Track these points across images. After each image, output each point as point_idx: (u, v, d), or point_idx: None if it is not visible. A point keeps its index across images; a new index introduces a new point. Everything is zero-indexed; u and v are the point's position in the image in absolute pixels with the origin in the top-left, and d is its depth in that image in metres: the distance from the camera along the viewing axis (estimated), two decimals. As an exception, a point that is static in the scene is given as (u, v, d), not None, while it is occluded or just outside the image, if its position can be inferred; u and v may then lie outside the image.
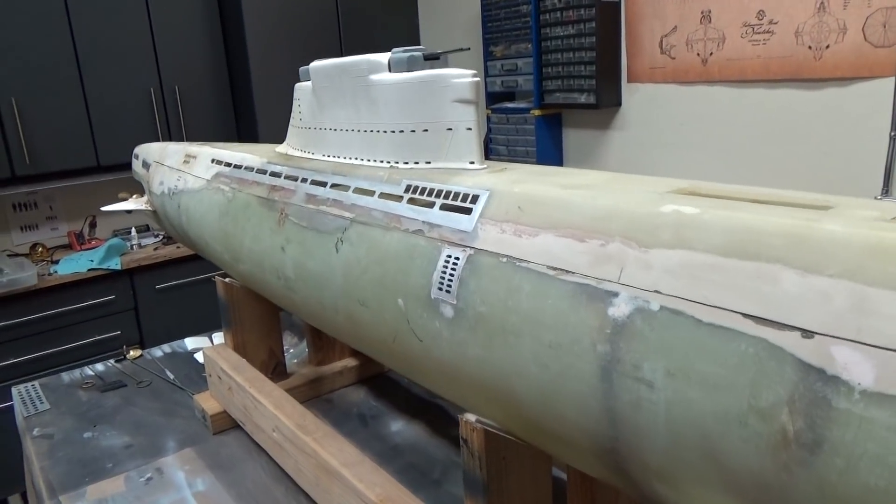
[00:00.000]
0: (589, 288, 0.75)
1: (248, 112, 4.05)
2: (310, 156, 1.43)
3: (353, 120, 1.25)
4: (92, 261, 3.63)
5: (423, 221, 1.00)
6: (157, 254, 3.80)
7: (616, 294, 0.72)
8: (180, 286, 3.84)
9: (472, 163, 1.07)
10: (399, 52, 1.13)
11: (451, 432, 1.64)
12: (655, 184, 0.83)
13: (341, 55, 4.16)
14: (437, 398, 1.78)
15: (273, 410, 1.39)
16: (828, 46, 3.03)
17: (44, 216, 4.01)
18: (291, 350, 2.12)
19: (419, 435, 1.63)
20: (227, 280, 1.71)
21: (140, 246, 3.96)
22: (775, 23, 3.21)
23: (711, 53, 3.51)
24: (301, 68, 1.40)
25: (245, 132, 4.13)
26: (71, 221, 4.07)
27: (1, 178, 3.49)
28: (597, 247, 0.76)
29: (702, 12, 3.51)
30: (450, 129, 1.08)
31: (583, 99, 3.98)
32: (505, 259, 0.85)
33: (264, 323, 1.77)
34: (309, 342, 1.92)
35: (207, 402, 1.73)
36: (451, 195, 0.99)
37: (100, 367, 2.16)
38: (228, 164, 1.70)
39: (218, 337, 2.32)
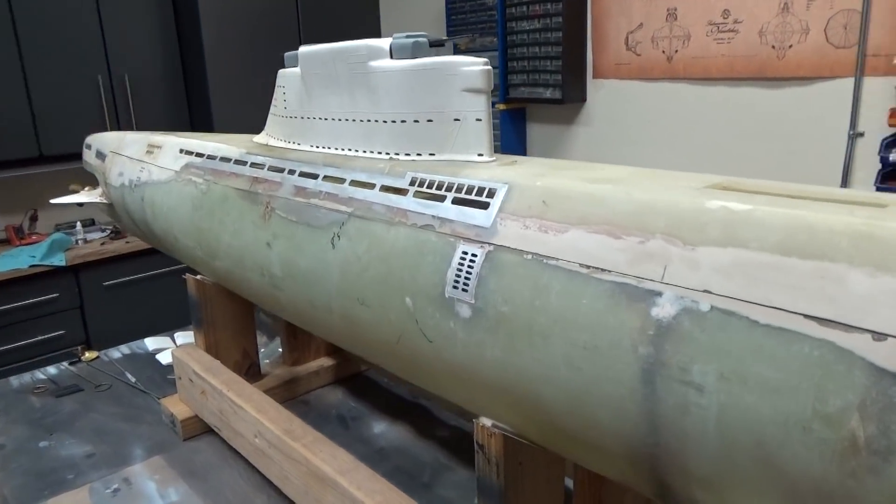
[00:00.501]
0: (628, 287, 0.71)
1: (203, 102, 3.89)
2: (296, 146, 1.36)
3: (348, 109, 1.18)
4: (33, 256, 3.41)
5: (434, 216, 0.95)
6: (105, 249, 3.61)
7: (659, 294, 0.68)
8: (130, 283, 3.66)
9: (481, 155, 1.02)
10: (401, 38, 1.07)
11: (436, 433, 1.59)
12: (687, 178, 0.80)
13: (300, 39, 4.05)
14: (420, 398, 1.73)
15: (255, 415, 1.31)
16: (791, 46, 3.10)
17: (-21, 209, 3.76)
18: (263, 349, 2.02)
19: (404, 437, 1.58)
20: (198, 277, 1.61)
21: (86, 241, 3.75)
22: (740, 22, 3.27)
23: (677, 51, 3.55)
24: (287, 53, 1.32)
25: (199, 122, 3.97)
26: (9, 215, 3.83)
27: (-67, 168, 3.25)
28: (635, 244, 0.72)
29: (667, 10, 3.54)
30: (457, 120, 1.03)
31: (548, 94, 3.98)
32: (530, 256, 0.81)
33: (238, 322, 1.68)
34: (283, 341, 1.84)
35: (176, 407, 1.64)
36: (465, 189, 0.94)
37: (52, 370, 2.03)
38: (200, 155, 1.61)
39: (181, 336, 2.21)
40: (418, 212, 0.97)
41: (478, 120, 1.01)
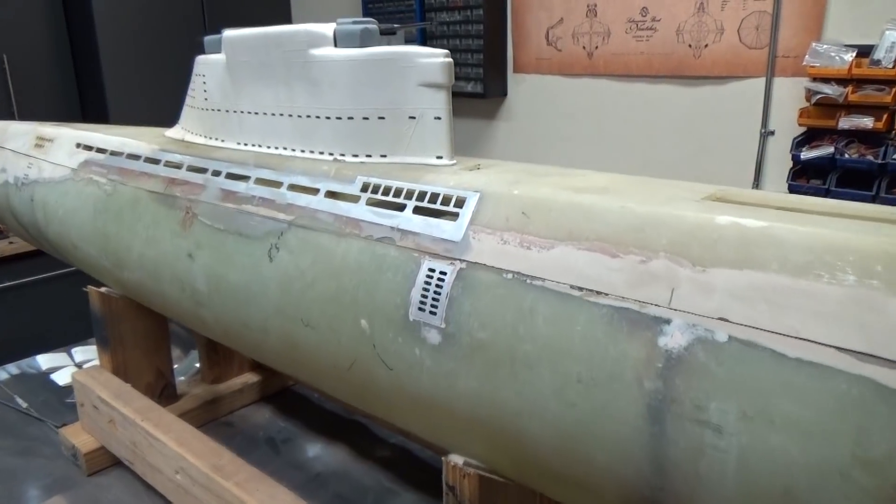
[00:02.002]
0: (630, 313, 0.63)
1: (96, 89, 3.55)
2: (219, 143, 1.20)
3: (283, 102, 1.04)
4: None
5: (393, 228, 0.84)
6: (-9, 250, 3.23)
7: (667, 321, 0.61)
8: (16, 288, 3.30)
9: (440, 157, 0.92)
10: (348, 24, 0.94)
11: (376, 452, 1.48)
12: (679, 188, 0.74)
13: (205, 29, 3.77)
14: (356, 415, 1.61)
15: (176, 448, 1.16)
16: (706, 45, 3.17)
17: None
18: (177, 365, 1.83)
19: (342, 459, 1.46)
20: (103, 290, 1.42)
21: (-33, 241, 3.35)
22: (658, 20, 3.31)
23: (597, 47, 3.56)
24: (207, 38, 1.16)
25: (92, 112, 3.62)
26: None
27: None
28: (636, 263, 0.64)
29: (588, 6, 3.55)
30: (412, 118, 0.92)
31: (470, 88, 3.91)
32: (511, 275, 0.72)
33: (150, 339, 1.50)
34: (202, 357, 1.67)
35: (79, 437, 1.44)
36: (428, 196, 0.83)
37: (-77, 396, 1.75)
38: (102, 151, 1.41)
39: (80, 352, 1.97)
40: (373, 222, 0.86)
41: (437, 118, 0.91)
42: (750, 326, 0.57)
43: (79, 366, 1.92)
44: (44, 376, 1.86)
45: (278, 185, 1.00)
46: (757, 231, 0.60)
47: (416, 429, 0.88)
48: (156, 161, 1.25)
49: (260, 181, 1.04)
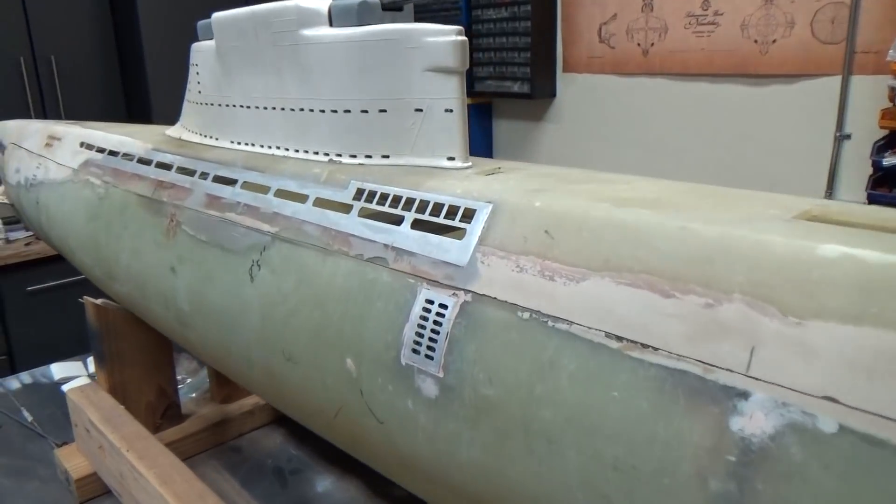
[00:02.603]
0: (689, 378, 0.45)
1: (140, 88, 3.52)
2: (212, 142, 1.06)
3: (274, 93, 0.89)
4: (-56, 259, 3.03)
5: (386, 245, 0.67)
6: (29, 250, 3.22)
7: (745, 394, 0.42)
8: (57, 288, 3.29)
9: (452, 159, 0.75)
10: (344, -2, 0.78)
11: (393, 491, 1.32)
12: (763, 202, 0.54)
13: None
14: (374, 442, 1.45)
15: (158, 487, 1.02)
16: (774, 41, 2.90)
17: None
18: (189, 380, 1.72)
19: (353, 496, 1.30)
20: (99, 302, 1.31)
21: (8, 241, 3.36)
22: (721, 14, 3.06)
23: (653, 44, 3.33)
24: (200, 22, 1.03)
25: (137, 112, 3.59)
26: (-77, 210, 3.41)
27: None
28: (699, 308, 0.46)
29: (643, 0, 3.33)
30: (419, 110, 0.75)
31: (516, 88, 3.73)
32: (528, 315, 0.54)
33: (152, 355, 1.38)
34: (211, 374, 1.54)
35: (73, 460, 1.32)
36: (430, 207, 0.67)
37: (-68, 405, 1.68)
38: (101, 150, 1.30)
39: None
40: (365, 238, 0.70)
41: (448, 111, 0.74)
42: (873, 414, 0.38)
43: (92, 376, 1.83)
44: (55, 387, 1.77)
45: (265, 189, 0.85)
46: (881, 268, 0.41)
47: (416, 492, 0.72)
48: (147, 161, 1.12)
49: (247, 185, 0.89)
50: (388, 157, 0.79)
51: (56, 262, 3.21)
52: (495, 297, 0.57)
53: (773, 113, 2.94)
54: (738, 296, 0.45)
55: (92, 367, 1.86)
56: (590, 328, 0.50)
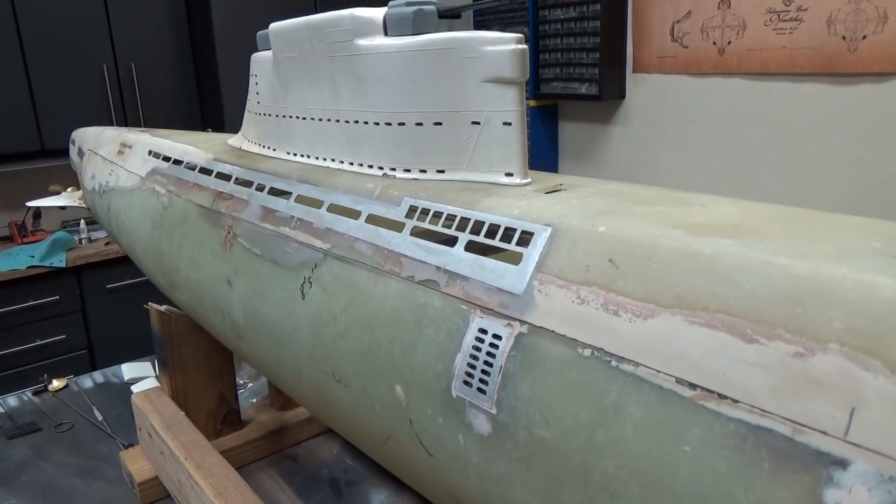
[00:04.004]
0: (776, 438, 0.39)
1: (214, 95, 3.63)
2: (270, 153, 1.05)
3: (329, 104, 0.87)
4: (33, 257, 3.20)
5: (438, 268, 0.64)
6: (109, 249, 3.38)
7: (842, 463, 0.36)
8: (134, 286, 3.43)
9: (511, 175, 0.71)
10: (399, 6, 0.75)
11: (448, 507, 1.28)
12: (862, 230, 0.48)
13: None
14: (430, 456, 1.42)
15: (213, 499, 1.02)
16: (864, 37, 2.71)
17: (-20, 205, 3.56)
18: (251, 384, 1.74)
19: (409, 512, 1.28)
20: (163, 309, 1.33)
21: (90, 240, 3.53)
22: (805, 9, 2.88)
23: (729, 42, 3.17)
24: (260, 33, 1.02)
25: (210, 117, 3.71)
26: (12, 211, 3.62)
27: (-72, 161, 3.05)
28: (788, 357, 0.40)
29: (720, -4, 3.17)
30: (476, 123, 0.71)
31: (583, 89, 3.63)
32: (589, 352, 0.49)
33: (213, 362, 1.39)
34: (270, 381, 1.55)
35: (136, 463, 1.35)
36: (485, 229, 0.62)
37: (12, 400, 1.76)
38: (167, 159, 1.32)
39: (163, 363, 1.93)
40: (417, 258, 0.66)
41: (506, 124, 0.69)
42: None
43: (159, 378, 1.88)
44: (125, 387, 1.83)
45: (318, 204, 0.83)
46: None
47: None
48: (208, 171, 1.12)
49: (301, 199, 0.87)
50: (443, 171, 0.76)
51: (122, 263, 3.35)
52: (553, 331, 0.52)
53: (862, 115, 2.74)
54: (834, 346, 0.38)
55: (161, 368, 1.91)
56: (658, 372, 0.45)
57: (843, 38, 2.77)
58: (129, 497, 1.35)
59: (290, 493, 1.33)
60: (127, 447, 1.48)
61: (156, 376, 1.87)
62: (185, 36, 3.62)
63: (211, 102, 3.68)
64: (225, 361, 1.42)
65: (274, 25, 0.94)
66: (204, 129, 3.57)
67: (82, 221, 3.54)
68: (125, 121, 3.54)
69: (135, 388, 1.81)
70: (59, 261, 3.23)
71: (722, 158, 3.20)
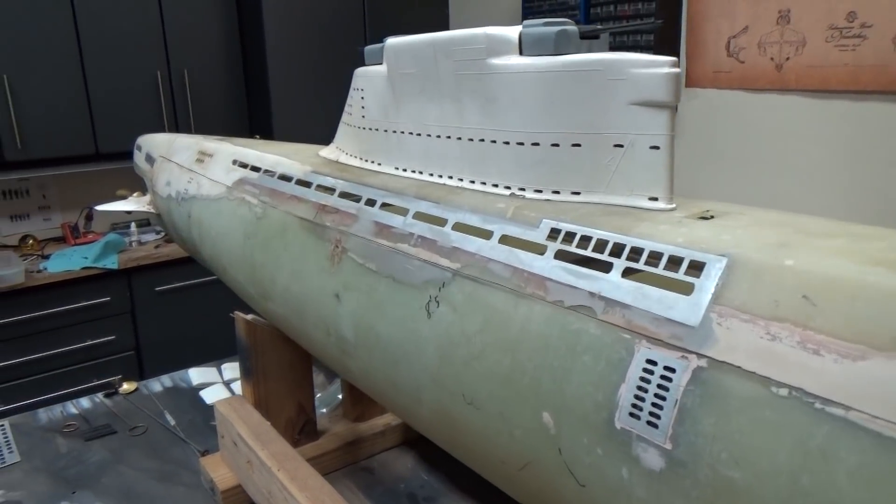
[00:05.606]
0: None
1: (263, 103, 3.67)
2: (375, 167, 1.06)
3: (450, 121, 0.87)
4: (86, 258, 3.27)
5: (593, 294, 0.62)
6: (159, 252, 3.44)
7: None
8: (182, 289, 3.48)
9: (655, 199, 0.69)
10: (537, 26, 0.75)
11: (530, 528, 1.26)
12: None
13: (365, 42, 3.79)
14: (506, 474, 1.40)
15: (311, 513, 1.02)
16: (934, 55, 2.65)
17: (36, 205, 3.64)
18: (319, 394, 1.74)
19: (491, 531, 1.26)
20: (249, 318, 1.34)
21: (140, 243, 3.60)
22: (868, 26, 2.82)
23: (788, 58, 3.12)
24: (368, 48, 1.02)
25: (258, 125, 3.75)
26: (65, 212, 3.71)
27: (-10, 162, 3.13)
28: None
29: (779, 12, 3.12)
30: (619, 146, 0.70)
31: (635, 103, 3.60)
32: (786, 392, 0.48)
33: (294, 372, 1.40)
34: (345, 391, 1.55)
35: (218, 470, 1.36)
36: (646, 256, 0.61)
37: (85, 402, 1.79)
38: (256, 169, 1.33)
39: (229, 369, 1.95)
40: (565, 283, 0.65)
41: (654, 148, 0.68)
42: None
43: (227, 383, 1.89)
44: (194, 392, 1.85)
45: (442, 222, 0.83)
46: None
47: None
48: (307, 184, 1.13)
49: (420, 216, 0.87)
50: (578, 193, 0.75)
51: (182, 264, 3.40)
52: (740, 367, 0.51)
53: (931, 134, 2.68)
54: None
55: (226, 374, 1.93)
56: (875, 418, 0.43)
57: (911, 55, 2.70)
58: (209, 502, 1.36)
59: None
60: (203, 453, 1.49)
61: (223, 382, 1.88)
62: (236, 44, 3.68)
63: (260, 110, 3.72)
64: (305, 372, 1.43)
65: (392, 41, 0.94)
66: (252, 136, 3.62)
67: (133, 224, 3.61)
68: (176, 126, 3.60)
69: (203, 394, 1.83)
70: (112, 262, 3.29)
71: (778, 177, 3.15)
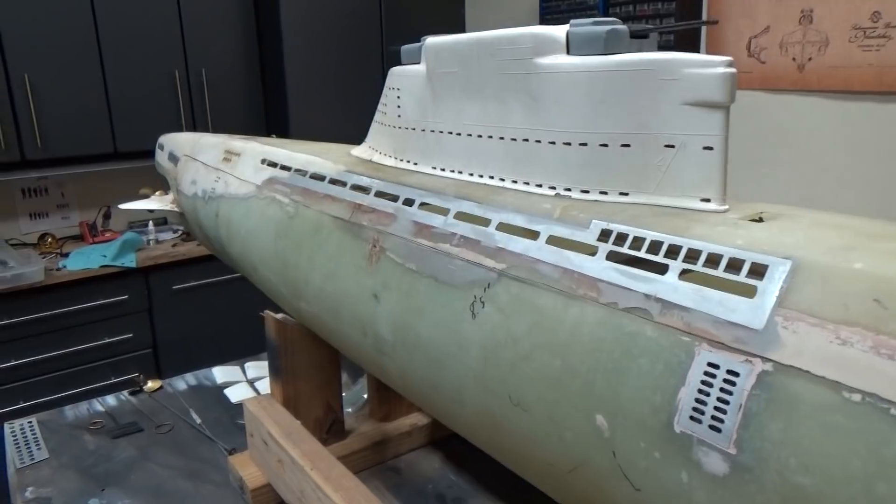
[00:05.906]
0: None
1: (280, 102, 3.68)
2: (411, 167, 1.05)
3: (493, 121, 0.86)
4: (105, 256, 3.29)
5: (648, 296, 0.62)
6: (176, 251, 3.46)
7: None
8: (199, 287, 3.50)
9: (707, 201, 0.69)
10: (586, 25, 0.74)
11: (560, 530, 1.26)
12: None
13: (382, 41, 3.79)
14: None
15: (346, 513, 1.02)
16: (960, 55, 2.62)
17: (55, 204, 3.67)
18: (345, 394, 1.74)
19: (520, 532, 1.26)
20: (279, 317, 1.34)
21: (157, 241, 3.61)
22: (894, 27, 2.80)
23: (810, 59, 3.10)
24: (405, 47, 1.02)
25: (275, 124, 3.76)
26: (84, 211, 3.73)
27: (10, 161, 3.15)
28: None
29: (801, 11, 3.10)
30: (670, 147, 0.69)
31: (654, 103, 3.59)
32: (859, 398, 0.47)
33: (323, 372, 1.40)
34: (372, 390, 1.55)
35: (247, 469, 1.36)
36: (704, 258, 0.61)
37: (111, 400, 1.80)
38: (286, 168, 1.33)
39: (252, 368, 1.95)
40: (619, 285, 0.64)
41: (707, 148, 0.68)
42: None
43: (251, 382, 1.90)
44: (218, 391, 1.85)
45: (485, 222, 0.82)
46: None
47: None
48: (341, 183, 1.12)
49: (461, 216, 0.86)
50: (626, 194, 0.74)
51: (199, 263, 3.42)
52: (808, 371, 0.50)
53: (957, 135, 2.65)
54: None
55: (250, 373, 1.93)
56: (959, 424, 0.42)
57: (937, 55, 2.68)
58: (238, 502, 1.36)
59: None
60: (230, 452, 1.49)
61: (247, 381, 1.89)
62: (253, 43, 3.69)
63: (276, 108, 3.73)
64: (334, 371, 1.43)
65: (431, 40, 0.94)
66: (268, 135, 3.64)
67: (150, 223, 3.63)
68: (193, 125, 3.61)
69: (228, 392, 1.83)
70: (130, 261, 3.31)
71: (800, 178, 3.12)
